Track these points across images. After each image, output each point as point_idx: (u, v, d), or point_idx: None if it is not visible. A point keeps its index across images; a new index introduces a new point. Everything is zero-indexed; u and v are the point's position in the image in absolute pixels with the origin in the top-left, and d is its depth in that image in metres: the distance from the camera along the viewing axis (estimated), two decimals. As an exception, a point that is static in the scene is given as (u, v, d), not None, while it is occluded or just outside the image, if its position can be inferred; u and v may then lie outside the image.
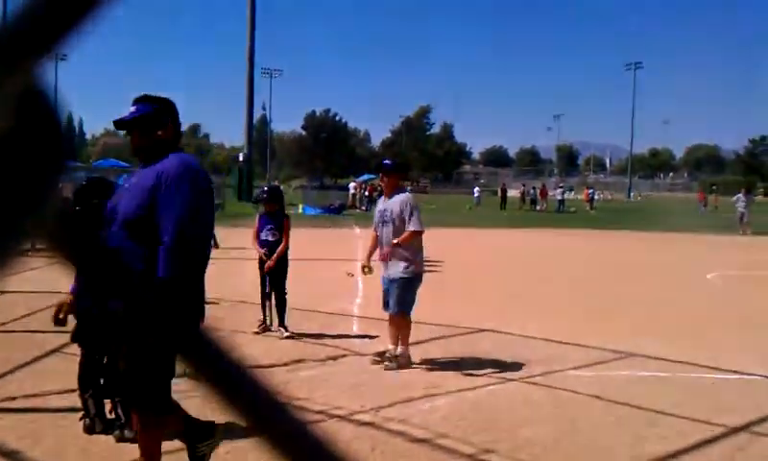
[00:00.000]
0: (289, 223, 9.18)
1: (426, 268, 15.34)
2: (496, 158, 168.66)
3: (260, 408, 0.59)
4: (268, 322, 9.10)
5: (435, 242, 20.64)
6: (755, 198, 40.79)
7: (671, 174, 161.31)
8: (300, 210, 37.98)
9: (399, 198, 7.71)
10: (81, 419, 5.41)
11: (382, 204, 7.89)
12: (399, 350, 7.58)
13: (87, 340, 5.38)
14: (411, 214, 7.55)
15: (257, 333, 8.88)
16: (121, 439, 5.21)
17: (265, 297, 9.13)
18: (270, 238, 8.99)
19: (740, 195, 32.56)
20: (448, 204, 57.38)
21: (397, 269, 7.52)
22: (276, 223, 9.03)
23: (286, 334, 8.73)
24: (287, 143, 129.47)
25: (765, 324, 10.77)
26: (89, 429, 5.34)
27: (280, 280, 8.99)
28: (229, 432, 4.50)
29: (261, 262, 9.04)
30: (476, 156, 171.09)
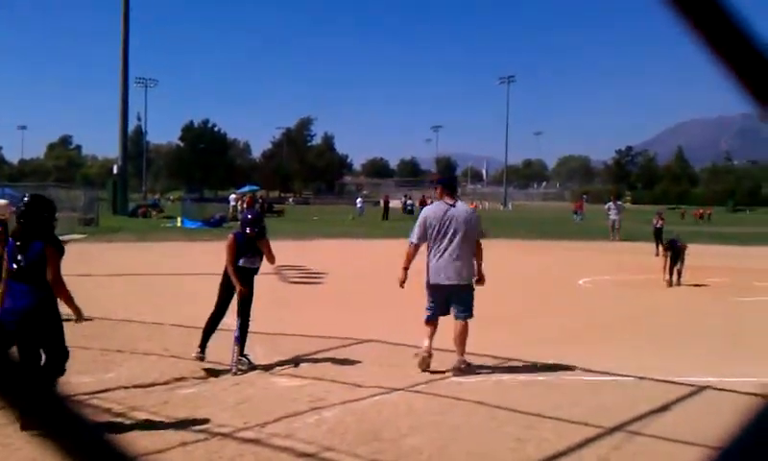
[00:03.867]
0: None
1: (309, 279, 15.35)
2: (377, 170, 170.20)
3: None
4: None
5: (317, 253, 20.58)
6: (623, 205, 42.58)
7: (544, 183, 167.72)
8: (180, 223, 36.83)
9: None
10: None
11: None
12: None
13: None
14: None
15: (202, 364, 7.80)
16: None
17: (214, 326, 8.07)
18: (257, 265, 8.19)
19: (611, 203, 33.78)
20: (331, 214, 57.37)
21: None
22: (256, 246, 8.14)
23: (249, 365, 7.91)
24: (164, 155, 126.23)
25: (635, 326, 11.30)
26: None
27: (249, 307, 8.14)
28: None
29: (230, 288, 8.04)
30: (357, 167, 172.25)
